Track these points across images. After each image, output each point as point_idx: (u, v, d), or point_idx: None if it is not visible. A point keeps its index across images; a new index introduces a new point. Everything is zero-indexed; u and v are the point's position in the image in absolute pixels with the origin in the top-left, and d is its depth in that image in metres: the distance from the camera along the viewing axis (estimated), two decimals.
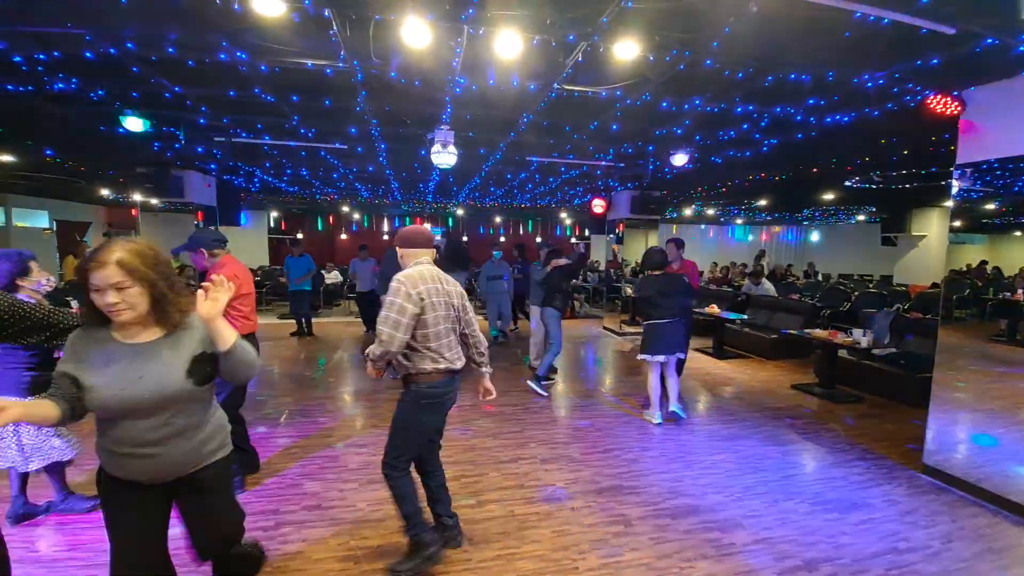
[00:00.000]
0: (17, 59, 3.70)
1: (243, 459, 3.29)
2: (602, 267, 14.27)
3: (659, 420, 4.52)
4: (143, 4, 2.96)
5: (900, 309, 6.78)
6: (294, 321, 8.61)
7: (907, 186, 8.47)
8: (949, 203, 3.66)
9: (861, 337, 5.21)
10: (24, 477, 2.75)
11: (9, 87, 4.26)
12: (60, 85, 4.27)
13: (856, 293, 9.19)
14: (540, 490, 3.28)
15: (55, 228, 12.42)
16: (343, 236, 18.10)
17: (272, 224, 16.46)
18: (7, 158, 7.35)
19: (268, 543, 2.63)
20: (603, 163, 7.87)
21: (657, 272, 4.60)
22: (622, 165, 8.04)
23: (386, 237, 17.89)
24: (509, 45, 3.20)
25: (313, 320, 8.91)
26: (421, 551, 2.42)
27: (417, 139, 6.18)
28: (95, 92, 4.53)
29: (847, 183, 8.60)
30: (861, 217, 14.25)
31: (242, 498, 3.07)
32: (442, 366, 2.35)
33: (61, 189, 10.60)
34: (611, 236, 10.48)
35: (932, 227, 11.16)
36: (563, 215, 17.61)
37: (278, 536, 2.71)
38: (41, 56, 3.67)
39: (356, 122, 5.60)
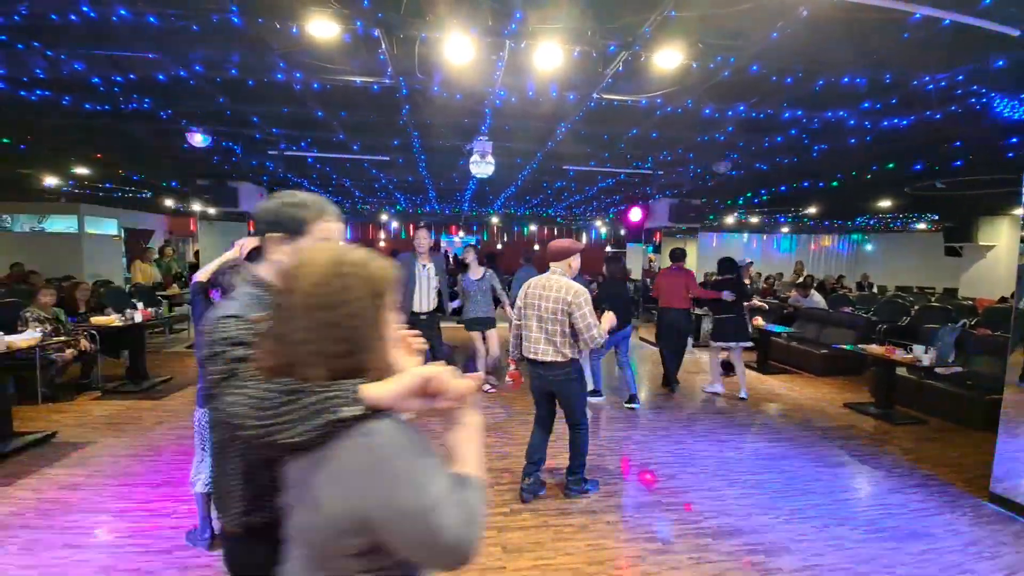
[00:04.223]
0: (95, 80, 4.04)
1: None
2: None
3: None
4: (211, 30, 3.18)
5: (966, 325, 6.30)
6: None
7: (973, 193, 7.90)
8: (1020, 211, 3.40)
9: (923, 354, 4.88)
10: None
11: (87, 105, 4.66)
12: (134, 105, 4.64)
13: (916, 307, 8.62)
14: (575, 502, 3.25)
15: (124, 235, 13.38)
16: (381, 244, 18.63)
17: None
18: (82, 170, 8.00)
19: None
20: (641, 171, 7.77)
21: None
22: (660, 173, 7.91)
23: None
24: (550, 57, 3.24)
25: None
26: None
27: (456, 150, 6.31)
28: (165, 111, 4.89)
29: (906, 189, 8.12)
30: (921, 226, 13.35)
31: None
32: None
33: (129, 199, 11.42)
34: (648, 245, 10.32)
35: (1002, 236, 10.35)
36: (599, 223, 17.46)
37: None
38: (117, 78, 4.01)
39: (399, 135, 5.78)
